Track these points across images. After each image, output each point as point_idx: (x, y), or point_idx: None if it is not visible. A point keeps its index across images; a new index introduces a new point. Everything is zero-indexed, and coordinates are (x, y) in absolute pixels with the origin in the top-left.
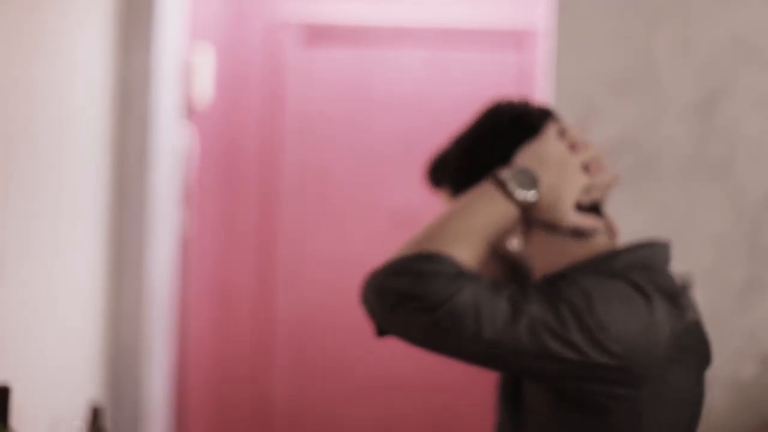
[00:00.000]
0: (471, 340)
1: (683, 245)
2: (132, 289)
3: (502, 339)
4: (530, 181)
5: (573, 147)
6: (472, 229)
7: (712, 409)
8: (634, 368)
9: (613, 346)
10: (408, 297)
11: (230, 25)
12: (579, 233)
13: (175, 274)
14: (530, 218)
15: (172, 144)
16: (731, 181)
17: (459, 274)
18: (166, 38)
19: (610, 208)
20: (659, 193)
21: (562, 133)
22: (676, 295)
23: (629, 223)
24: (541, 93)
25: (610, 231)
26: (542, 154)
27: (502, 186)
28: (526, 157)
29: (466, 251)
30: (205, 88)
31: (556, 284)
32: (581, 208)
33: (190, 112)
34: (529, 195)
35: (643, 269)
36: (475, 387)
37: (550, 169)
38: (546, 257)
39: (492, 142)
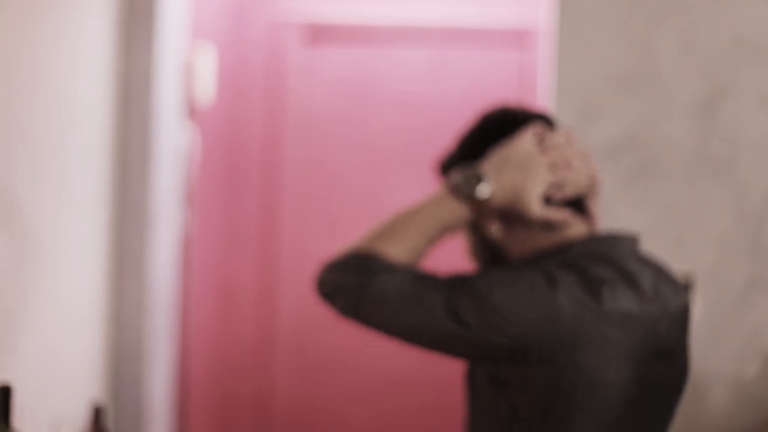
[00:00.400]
0: (388, 324)
1: (686, 244)
2: (134, 289)
3: (412, 321)
4: (476, 180)
5: (544, 148)
6: (414, 227)
7: (713, 408)
8: (534, 349)
9: (509, 328)
10: (337, 288)
11: (232, 24)
12: (547, 225)
13: (176, 273)
14: (504, 211)
15: (174, 143)
16: (734, 180)
17: (381, 268)
18: (168, 38)
19: (612, 207)
20: (662, 192)
21: (538, 135)
22: (602, 284)
23: (632, 222)
24: (543, 92)
25: (590, 224)
26: (508, 154)
27: (451, 187)
28: (493, 156)
29: (402, 247)
30: (207, 87)
31: (474, 273)
32: (554, 202)
33: (192, 111)
34: (476, 192)
35: (595, 259)
36: None
37: (514, 167)
38: (518, 246)
39: (481, 143)
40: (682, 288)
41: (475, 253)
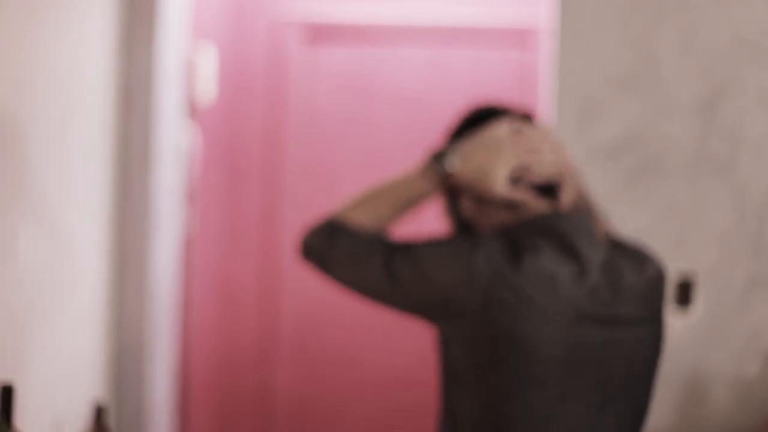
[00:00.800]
0: (344, 279)
1: (686, 243)
2: (135, 288)
3: (359, 278)
4: (446, 157)
5: (517, 136)
6: (384, 199)
7: (714, 408)
8: (455, 305)
9: (431, 285)
10: (311, 248)
11: (233, 23)
12: (510, 204)
13: (178, 272)
14: (473, 190)
15: (175, 143)
16: (734, 180)
17: (345, 233)
18: (168, 37)
19: (613, 207)
20: (663, 192)
21: (513, 125)
22: (525, 251)
23: (632, 222)
24: (543, 91)
25: (556, 207)
26: (481, 137)
27: (424, 163)
28: (469, 140)
29: (372, 215)
30: (208, 86)
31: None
32: (524, 185)
33: (193, 110)
34: (444, 167)
35: (538, 232)
36: None
37: (484, 149)
38: (485, 222)
39: (465, 131)
40: (651, 265)
41: (451, 228)
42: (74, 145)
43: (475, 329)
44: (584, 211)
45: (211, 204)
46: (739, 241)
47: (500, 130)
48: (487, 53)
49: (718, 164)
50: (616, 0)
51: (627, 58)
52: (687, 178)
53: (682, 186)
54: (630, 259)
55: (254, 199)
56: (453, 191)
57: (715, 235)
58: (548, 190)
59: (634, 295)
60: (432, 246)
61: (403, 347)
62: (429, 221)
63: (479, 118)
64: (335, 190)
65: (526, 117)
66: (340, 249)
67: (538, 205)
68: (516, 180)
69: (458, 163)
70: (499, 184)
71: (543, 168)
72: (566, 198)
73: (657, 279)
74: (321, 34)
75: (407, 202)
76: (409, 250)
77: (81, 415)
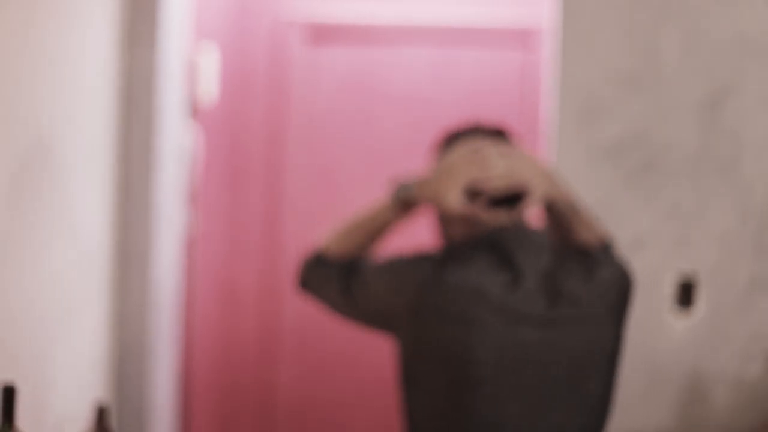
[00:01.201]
0: (320, 300)
1: (689, 243)
2: (137, 288)
3: (328, 298)
4: (404, 189)
5: (473, 156)
6: (359, 229)
7: (716, 408)
8: (392, 315)
9: (374, 299)
10: (301, 278)
11: (235, 24)
12: (466, 220)
13: (180, 273)
14: (436, 213)
15: (177, 143)
16: (737, 179)
17: (323, 263)
18: (170, 37)
19: (615, 207)
20: (665, 191)
21: (472, 147)
22: (450, 261)
23: (634, 222)
24: (546, 91)
25: (513, 217)
26: (439, 165)
27: (388, 195)
28: (432, 167)
29: (351, 245)
30: (210, 87)
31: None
32: (484, 200)
33: (195, 111)
34: (401, 197)
35: (480, 246)
36: None
37: (439, 175)
38: (449, 237)
39: (440, 155)
40: (603, 270)
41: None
42: (76, 145)
43: (411, 338)
44: (527, 224)
45: (213, 204)
46: (741, 241)
47: (456, 153)
48: (489, 53)
49: (721, 164)
50: (618, 0)
51: (629, 58)
52: (689, 178)
53: (684, 186)
54: (579, 265)
55: (256, 199)
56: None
57: (717, 236)
58: (514, 200)
59: (576, 299)
60: (381, 265)
61: None
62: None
63: (452, 140)
64: (337, 190)
65: (498, 133)
66: (319, 278)
67: (494, 217)
68: (474, 195)
69: (416, 190)
70: (452, 201)
71: (498, 181)
72: (524, 208)
73: (610, 282)
74: (323, 34)
75: (378, 229)
76: (365, 271)
77: (83, 415)
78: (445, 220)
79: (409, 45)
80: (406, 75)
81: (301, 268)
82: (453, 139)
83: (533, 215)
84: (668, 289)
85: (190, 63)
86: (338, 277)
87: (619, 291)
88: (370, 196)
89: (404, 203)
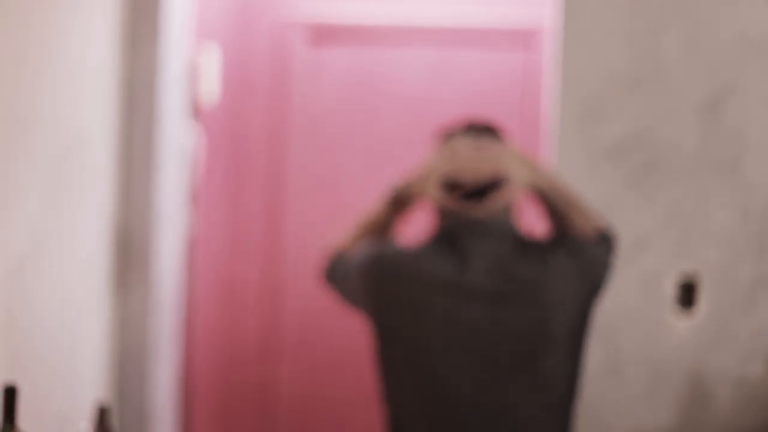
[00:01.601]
0: (335, 292)
1: (690, 243)
2: (139, 289)
3: (337, 289)
4: (396, 189)
5: (450, 151)
6: (365, 228)
7: (718, 408)
8: (362, 303)
9: (353, 287)
10: (323, 274)
11: (236, 24)
12: (443, 211)
13: (181, 273)
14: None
15: (178, 143)
16: (739, 180)
17: (338, 260)
18: (172, 38)
19: (616, 207)
20: (667, 192)
21: (452, 143)
22: (407, 253)
23: (636, 222)
24: (547, 91)
25: (481, 209)
26: (422, 164)
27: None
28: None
29: (358, 241)
30: (211, 87)
31: None
32: (458, 192)
33: (197, 111)
34: (393, 195)
35: (441, 235)
36: None
37: (421, 173)
38: (434, 227)
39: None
40: (558, 259)
41: None
42: (77, 145)
43: (374, 324)
44: (496, 217)
45: (214, 204)
46: (743, 241)
47: (435, 154)
48: (491, 54)
49: (722, 164)
50: (619, 0)
51: (630, 59)
52: (690, 178)
53: (685, 186)
54: (537, 254)
55: (258, 199)
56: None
57: (719, 236)
58: (493, 190)
59: (527, 282)
60: (359, 254)
61: None
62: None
63: (444, 139)
64: (338, 190)
65: (486, 129)
66: (337, 274)
67: (465, 208)
68: (452, 188)
69: (405, 189)
70: (430, 193)
71: (471, 174)
72: (501, 197)
73: (577, 270)
74: (324, 34)
75: (381, 228)
76: (351, 263)
77: (84, 416)
78: (437, 215)
79: (410, 45)
80: (408, 75)
81: (324, 264)
82: (445, 137)
83: (521, 205)
84: (670, 289)
85: (192, 63)
86: (345, 267)
87: (584, 280)
88: (371, 195)
89: (398, 202)
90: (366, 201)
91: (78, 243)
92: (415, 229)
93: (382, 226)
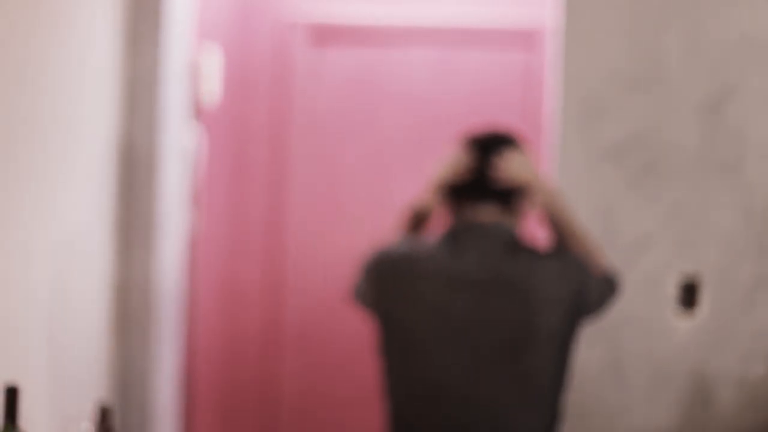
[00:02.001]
0: (366, 308)
1: (692, 244)
2: (140, 289)
3: (363, 301)
4: (411, 207)
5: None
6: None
7: (720, 408)
8: (371, 302)
9: (360, 284)
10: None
11: (238, 25)
12: (450, 212)
13: (183, 273)
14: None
15: (180, 144)
16: (740, 180)
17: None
18: (173, 38)
19: (618, 207)
20: (668, 192)
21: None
22: (407, 248)
23: (637, 222)
24: (548, 92)
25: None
26: (433, 171)
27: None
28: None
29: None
30: (213, 88)
31: None
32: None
33: (198, 111)
34: (413, 209)
35: (446, 236)
36: None
37: (428, 183)
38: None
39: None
40: (545, 269)
41: None
42: (79, 146)
43: (376, 317)
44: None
45: (215, 205)
46: (744, 241)
47: (442, 163)
48: (492, 54)
49: (723, 165)
50: (621, 1)
51: (631, 59)
52: (692, 179)
53: (687, 187)
54: (528, 256)
55: (259, 200)
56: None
57: (720, 236)
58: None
59: (515, 281)
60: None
61: None
62: None
63: (467, 145)
64: (340, 191)
65: (509, 140)
66: (358, 289)
67: (460, 211)
68: (454, 192)
69: (418, 205)
70: (432, 201)
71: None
72: (521, 205)
73: (553, 275)
74: (326, 35)
75: (417, 229)
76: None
77: (86, 416)
78: (449, 215)
79: (411, 46)
80: (409, 76)
81: (351, 284)
82: (469, 143)
83: (527, 215)
84: (671, 290)
85: (193, 63)
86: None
87: (570, 291)
88: (371, 196)
89: (416, 219)
90: (367, 200)
91: (80, 243)
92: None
93: (417, 230)
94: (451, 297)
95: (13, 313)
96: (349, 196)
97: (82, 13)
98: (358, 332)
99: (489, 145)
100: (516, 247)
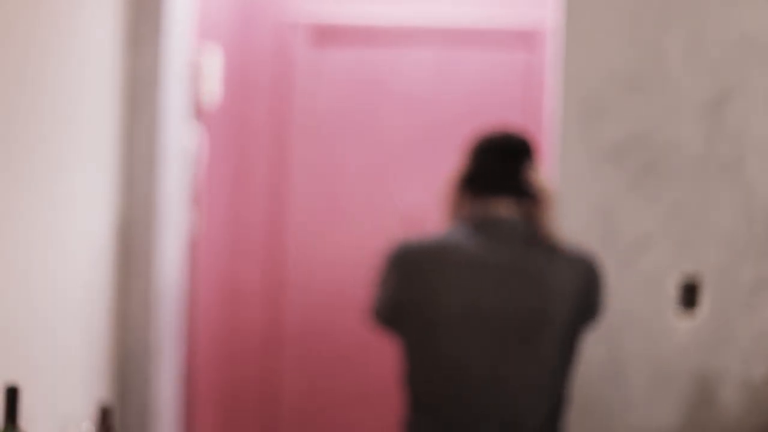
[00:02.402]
0: (389, 321)
1: (693, 244)
2: (141, 289)
3: (383, 311)
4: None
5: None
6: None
7: (721, 409)
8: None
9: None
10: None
11: (239, 25)
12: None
13: (183, 273)
14: None
15: (180, 144)
16: (741, 180)
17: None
18: (174, 38)
19: (618, 207)
20: (669, 192)
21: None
22: (445, 244)
23: (638, 222)
24: (549, 92)
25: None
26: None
27: None
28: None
29: None
30: (213, 88)
31: None
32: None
33: (199, 112)
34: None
35: (470, 224)
36: None
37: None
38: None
39: None
40: (560, 266)
41: None
42: (80, 146)
43: (404, 296)
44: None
45: (216, 205)
46: (745, 242)
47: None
48: (493, 54)
49: (724, 165)
50: (621, 1)
51: (632, 59)
52: (693, 179)
53: (688, 186)
54: (546, 250)
55: (259, 200)
56: None
57: (721, 237)
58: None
59: (535, 271)
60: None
61: None
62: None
63: (479, 146)
64: (340, 192)
65: (523, 143)
66: (376, 304)
67: (476, 204)
68: (471, 187)
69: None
70: (449, 199)
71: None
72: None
73: (566, 269)
74: (327, 35)
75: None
76: None
77: (86, 416)
78: (470, 207)
79: (412, 46)
80: (410, 76)
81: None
82: (481, 145)
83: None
84: (672, 290)
85: (194, 64)
86: None
87: (580, 289)
88: (371, 195)
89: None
90: (368, 200)
91: (80, 242)
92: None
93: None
94: (477, 283)
95: (13, 313)
96: (349, 196)
97: (82, 13)
98: (358, 332)
99: (509, 147)
100: (533, 241)
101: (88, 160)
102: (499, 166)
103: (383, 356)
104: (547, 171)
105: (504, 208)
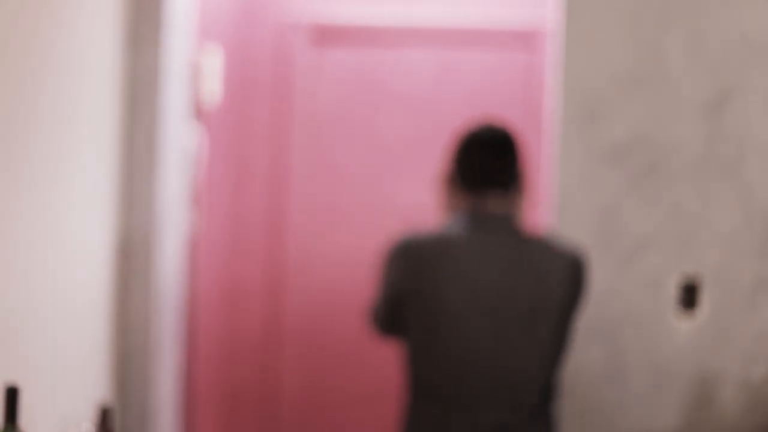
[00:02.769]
0: (389, 322)
1: (693, 245)
2: (141, 289)
3: (384, 313)
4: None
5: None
6: None
7: (721, 409)
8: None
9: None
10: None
11: (239, 25)
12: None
13: (183, 273)
14: None
15: (180, 144)
16: (741, 181)
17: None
18: (174, 38)
19: (619, 207)
20: (669, 193)
21: None
22: (432, 234)
23: (638, 223)
24: (549, 92)
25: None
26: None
27: None
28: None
29: None
30: (213, 88)
31: None
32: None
33: (199, 112)
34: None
35: (463, 219)
36: None
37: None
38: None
39: None
40: (540, 244)
41: None
42: (79, 146)
43: (409, 290)
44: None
45: (216, 204)
46: (745, 242)
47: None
48: (493, 55)
49: (724, 166)
50: (621, 1)
51: (632, 60)
52: (693, 179)
53: (687, 188)
54: (539, 241)
55: (260, 200)
56: None
57: (721, 237)
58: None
59: (534, 260)
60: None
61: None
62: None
63: (464, 140)
64: (340, 191)
65: (505, 135)
66: (375, 309)
67: (467, 201)
68: (462, 183)
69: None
70: (442, 195)
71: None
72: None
73: (558, 260)
74: (327, 35)
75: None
76: None
77: (86, 416)
78: (461, 202)
79: (412, 46)
80: (410, 76)
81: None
82: (466, 138)
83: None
84: (672, 290)
85: (194, 64)
86: None
87: (572, 277)
88: (371, 195)
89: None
90: (369, 200)
91: (80, 243)
92: None
93: None
94: (477, 274)
95: (13, 313)
96: (350, 196)
97: (82, 13)
98: (358, 331)
99: (493, 141)
100: (525, 234)
101: (88, 160)
102: (487, 160)
103: (383, 356)
104: (546, 170)
105: (493, 202)
